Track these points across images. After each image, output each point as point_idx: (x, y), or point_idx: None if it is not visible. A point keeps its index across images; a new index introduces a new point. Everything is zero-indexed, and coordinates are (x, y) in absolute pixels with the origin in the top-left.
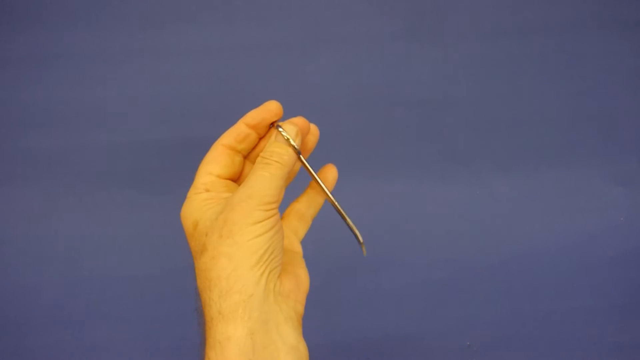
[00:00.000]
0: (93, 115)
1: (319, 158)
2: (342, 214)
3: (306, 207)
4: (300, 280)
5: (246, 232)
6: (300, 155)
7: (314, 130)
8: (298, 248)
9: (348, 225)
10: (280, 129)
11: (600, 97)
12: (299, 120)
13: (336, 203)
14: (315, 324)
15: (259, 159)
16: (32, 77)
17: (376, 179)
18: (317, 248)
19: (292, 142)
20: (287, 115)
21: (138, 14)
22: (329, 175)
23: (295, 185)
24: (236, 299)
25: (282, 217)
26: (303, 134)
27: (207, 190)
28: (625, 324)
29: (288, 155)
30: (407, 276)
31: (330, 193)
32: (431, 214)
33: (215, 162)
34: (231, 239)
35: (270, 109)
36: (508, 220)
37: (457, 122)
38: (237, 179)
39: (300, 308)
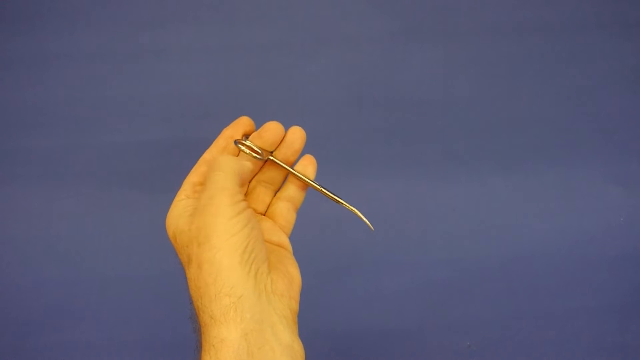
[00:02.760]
0: (93, 115)
1: (319, 157)
2: (336, 199)
3: (288, 200)
4: (292, 277)
5: (221, 233)
6: (272, 157)
7: (295, 131)
8: (287, 244)
9: (346, 207)
10: (239, 145)
11: (600, 97)
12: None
13: (325, 190)
14: (315, 324)
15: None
16: (32, 77)
17: (376, 179)
18: (316, 248)
19: (252, 152)
20: (281, 116)
21: (138, 14)
22: (309, 168)
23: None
24: (226, 301)
25: (266, 214)
26: (267, 140)
27: (187, 197)
28: (625, 324)
29: (225, 156)
30: (407, 276)
31: (314, 181)
32: (431, 214)
33: (197, 172)
34: (208, 243)
35: (243, 122)
36: (508, 220)
37: (457, 122)
38: None
39: (295, 305)
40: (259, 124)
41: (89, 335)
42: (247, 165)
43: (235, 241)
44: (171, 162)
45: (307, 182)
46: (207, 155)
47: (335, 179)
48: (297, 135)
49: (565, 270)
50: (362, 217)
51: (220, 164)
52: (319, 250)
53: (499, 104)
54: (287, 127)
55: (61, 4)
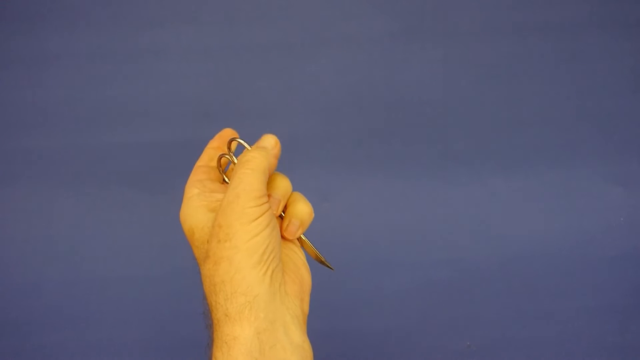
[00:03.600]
0: (93, 115)
1: (319, 158)
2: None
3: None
4: (303, 279)
5: (242, 234)
6: None
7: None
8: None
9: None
10: (239, 140)
11: (600, 97)
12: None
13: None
14: (315, 323)
15: (236, 165)
16: (32, 77)
17: (376, 179)
18: (316, 248)
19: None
20: (281, 116)
21: (138, 14)
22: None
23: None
24: (242, 300)
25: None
26: None
27: (200, 192)
28: (625, 324)
29: (265, 151)
30: (407, 276)
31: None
32: (431, 214)
33: (200, 171)
34: (229, 242)
35: (227, 134)
36: (508, 220)
37: (457, 122)
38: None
39: (306, 307)
40: (259, 124)
41: (89, 335)
42: (274, 162)
43: (255, 242)
44: (171, 162)
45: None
46: (200, 163)
47: (335, 178)
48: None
49: (565, 270)
50: (324, 260)
51: (251, 162)
52: (319, 251)
53: (499, 104)
54: (287, 128)
55: (61, 4)
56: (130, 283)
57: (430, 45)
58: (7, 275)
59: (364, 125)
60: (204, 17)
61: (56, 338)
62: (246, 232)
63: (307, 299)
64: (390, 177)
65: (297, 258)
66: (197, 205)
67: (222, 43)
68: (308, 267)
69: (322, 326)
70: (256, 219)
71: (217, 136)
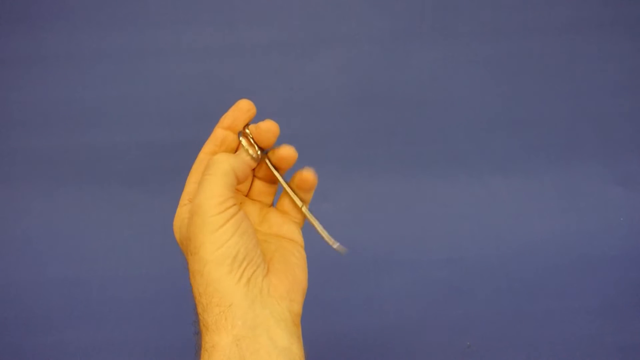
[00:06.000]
0: (93, 115)
1: (319, 158)
2: (311, 221)
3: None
4: (295, 278)
5: (208, 245)
6: (268, 163)
7: (268, 126)
8: (297, 236)
9: (316, 229)
10: (241, 137)
11: (600, 97)
12: (265, 125)
13: (306, 213)
14: (315, 323)
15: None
16: (32, 77)
17: (376, 179)
18: (317, 248)
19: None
20: (281, 116)
21: (138, 14)
22: (306, 180)
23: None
24: (216, 311)
25: (276, 207)
26: (266, 137)
27: (190, 201)
28: (625, 324)
29: (221, 154)
30: (407, 276)
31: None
32: (431, 214)
33: (198, 173)
34: (197, 255)
35: (241, 107)
36: (508, 220)
37: (457, 122)
38: None
39: (297, 307)
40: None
41: (89, 335)
42: (246, 160)
43: (223, 252)
44: (171, 162)
45: (292, 197)
46: (206, 148)
47: (335, 178)
48: (270, 131)
49: (565, 270)
50: (333, 243)
51: (212, 166)
52: (319, 250)
53: (499, 104)
54: (287, 128)
55: (61, 4)
56: (130, 283)
57: (430, 45)
58: (7, 275)
59: (364, 125)
60: (204, 17)
61: (56, 338)
62: (211, 242)
63: (298, 298)
64: (390, 177)
65: (292, 256)
66: (185, 214)
67: (222, 43)
68: (305, 267)
69: (321, 326)
70: (221, 226)
71: (230, 112)
